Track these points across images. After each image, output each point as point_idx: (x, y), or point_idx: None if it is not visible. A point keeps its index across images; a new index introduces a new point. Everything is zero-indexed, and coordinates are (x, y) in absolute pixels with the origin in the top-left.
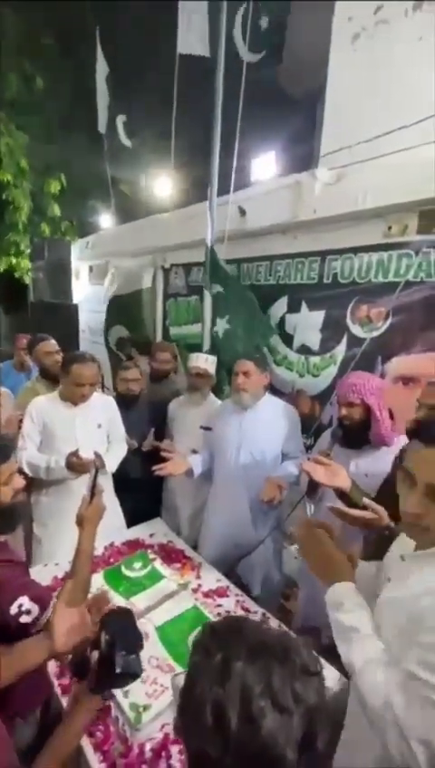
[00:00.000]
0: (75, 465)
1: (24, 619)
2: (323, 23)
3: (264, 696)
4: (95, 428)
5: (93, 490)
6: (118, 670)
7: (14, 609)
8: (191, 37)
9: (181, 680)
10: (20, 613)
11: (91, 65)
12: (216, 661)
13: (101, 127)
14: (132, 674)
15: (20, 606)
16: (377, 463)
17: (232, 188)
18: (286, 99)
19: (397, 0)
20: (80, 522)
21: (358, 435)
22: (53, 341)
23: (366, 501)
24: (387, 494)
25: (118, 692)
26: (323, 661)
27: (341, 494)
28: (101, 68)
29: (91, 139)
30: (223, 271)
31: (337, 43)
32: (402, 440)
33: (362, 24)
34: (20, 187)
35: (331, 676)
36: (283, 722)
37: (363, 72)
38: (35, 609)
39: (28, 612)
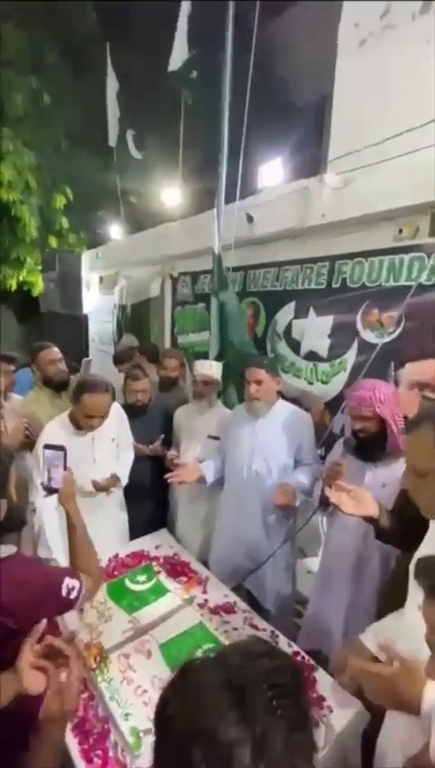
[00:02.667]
0: (97, 487)
1: (73, 595)
2: (329, 30)
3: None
4: (109, 443)
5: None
6: None
7: (64, 591)
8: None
9: None
10: (69, 592)
11: (99, 80)
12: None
13: (112, 140)
14: None
15: (68, 586)
16: (394, 473)
17: (228, 195)
18: (292, 105)
19: (405, 0)
20: (60, 500)
21: (374, 447)
22: (56, 349)
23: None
24: (407, 501)
25: (117, 715)
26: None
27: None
28: (112, 84)
29: (98, 152)
30: (223, 279)
31: (344, 49)
32: None
33: (368, 30)
34: (27, 203)
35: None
36: None
37: (371, 77)
38: (76, 583)
39: (74, 588)
